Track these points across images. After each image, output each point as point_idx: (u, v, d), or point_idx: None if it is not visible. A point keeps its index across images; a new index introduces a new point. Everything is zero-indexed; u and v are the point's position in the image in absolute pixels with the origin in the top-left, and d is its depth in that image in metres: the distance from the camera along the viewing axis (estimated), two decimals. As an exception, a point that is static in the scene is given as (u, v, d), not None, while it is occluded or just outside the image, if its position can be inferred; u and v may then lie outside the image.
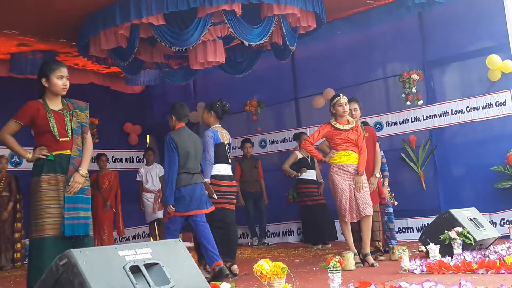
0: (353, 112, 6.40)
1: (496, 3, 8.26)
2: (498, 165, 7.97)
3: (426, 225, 8.00)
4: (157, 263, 2.99)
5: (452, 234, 5.67)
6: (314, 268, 5.83)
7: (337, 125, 6.04)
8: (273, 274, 3.76)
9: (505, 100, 8.08)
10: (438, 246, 5.51)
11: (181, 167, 5.60)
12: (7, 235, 8.40)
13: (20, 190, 8.59)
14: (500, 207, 7.95)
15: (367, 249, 5.96)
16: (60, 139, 4.22)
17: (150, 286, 2.84)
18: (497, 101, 8.14)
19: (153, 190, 9.54)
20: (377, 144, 6.68)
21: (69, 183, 4.16)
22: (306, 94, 10.23)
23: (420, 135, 8.85)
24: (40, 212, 4.10)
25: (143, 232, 10.98)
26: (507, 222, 7.77)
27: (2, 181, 8.45)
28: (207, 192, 5.84)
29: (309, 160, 8.86)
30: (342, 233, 6.20)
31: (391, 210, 7.06)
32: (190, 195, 5.57)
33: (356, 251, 5.93)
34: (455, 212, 6.09)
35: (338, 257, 4.26)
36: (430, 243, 5.55)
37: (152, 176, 9.60)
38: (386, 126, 9.17)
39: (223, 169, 6.16)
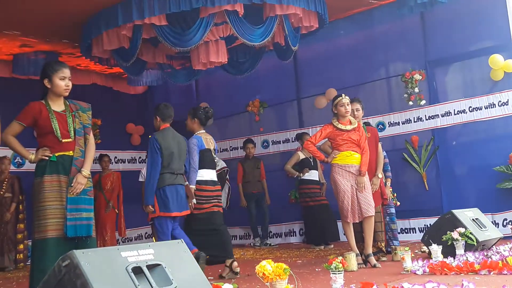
0: (355, 113, 6.39)
1: (499, 2, 8.26)
2: (500, 165, 7.96)
3: (429, 225, 7.99)
4: (160, 264, 2.98)
5: (455, 234, 5.66)
6: (316, 269, 5.83)
7: (339, 126, 6.03)
8: (275, 275, 3.75)
9: (508, 100, 8.07)
10: (441, 246, 5.50)
11: (165, 168, 5.64)
12: (9, 236, 8.41)
13: (23, 191, 8.60)
14: (502, 208, 7.94)
15: (369, 249, 5.96)
16: (63, 140, 4.23)
17: (152, 287, 2.84)
18: (500, 101, 8.13)
19: (156, 191, 9.53)
20: (380, 144, 6.67)
21: (72, 184, 4.17)
22: (309, 94, 10.23)
23: (423, 135, 8.84)
24: (42, 213, 4.10)
25: (146, 233, 10.99)
26: (510, 223, 7.76)
27: (5, 182, 8.46)
28: (187, 196, 5.89)
29: (311, 160, 8.86)
30: (344, 234, 6.19)
31: (393, 210, 7.06)
32: (174, 195, 5.63)
33: (358, 252, 5.92)
34: (458, 212, 6.08)
35: (340, 258, 4.26)
36: (433, 244, 5.54)
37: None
38: (389, 126, 9.17)
39: (207, 174, 6.20)
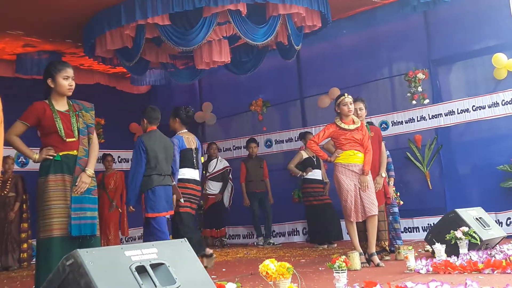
0: (359, 112, 6.38)
1: (502, 1, 8.24)
2: (504, 164, 7.94)
3: (432, 224, 7.98)
4: (163, 263, 2.99)
5: (458, 233, 5.66)
6: (320, 268, 5.83)
7: (342, 125, 6.03)
8: (279, 274, 3.76)
9: (511, 99, 8.06)
10: (444, 245, 5.50)
11: (153, 169, 5.77)
12: (13, 235, 8.43)
13: (27, 190, 8.62)
14: (506, 207, 7.93)
15: (373, 249, 5.95)
16: (67, 140, 4.25)
17: (156, 286, 2.85)
18: (503, 100, 8.12)
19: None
20: (383, 143, 6.67)
21: (76, 183, 4.19)
22: (312, 93, 10.23)
23: (426, 134, 8.83)
24: (47, 212, 4.12)
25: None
26: (514, 222, 7.76)
27: (9, 182, 8.48)
28: (174, 196, 6.04)
29: (314, 160, 8.86)
30: (347, 233, 6.18)
31: (396, 210, 7.05)
32: (163, 196, 5.77)
33: (361, 251, 5.92)
34: (461, 211, 6.07)
35: (343, 257, 4.26)
36: (436, 243, 5.54)
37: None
38: (392, 126, 9.16)
39: (188, 173, 6.37)
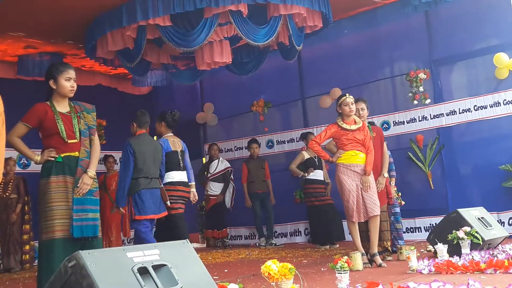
0: (361, 112, 6.38)
1: (503, 1, 8.23)
2: (506, 164, 7.94)
3: (434, 224, 7.98)
4: (165, 265, 2.99)
5: (460, 233, 5.65)
6: (322, 269, 5.82)
7: (344, 125, 6.03)
8: (281, 274, 3.76)
9: (513, 98, 8.06)
10: (446, 246, 5.49)
11: (140, 172, 5.84)
12: (15, 237, 8.43)
13: (28, 192, 8.62)
14: (508, 206, 7.92)
15: (375, 249, 5.95)
16: (68, 141, 4.25)
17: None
18: (505, 100, 8.11)
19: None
20: (385, 144, 6.67)
21: (78, 185, 4.19)
22: (313, 94, 10.23)
23: (428, 134, 8.83)
24: (49, 214, 4.12)
25: (151, 233, 10.97)
26: (516, 221, 7.75)
27: (11, 183, 8.48)
28: (163, 199, 6.14)
29: (316, 160, 8.85)
30: (349, 233, 6.18)
31: (397, 210, 7.04)
32: (149, 199, 5.84)
33: (363, 251, 5.91)
34: (463, 211, 6.07)
35: (345, 257, 4.26)
36: (438, 243, 5.53)
37: (159, 177, 9.59)
38: (393, 126, 9.15)
39: (176, 175, 6.49)
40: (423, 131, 8.87)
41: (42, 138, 4.36)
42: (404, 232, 7.56)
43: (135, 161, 5.83)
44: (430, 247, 6.28)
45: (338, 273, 4.15)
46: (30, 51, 9.05)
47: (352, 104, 6.04)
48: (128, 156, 5.83)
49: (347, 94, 6.12)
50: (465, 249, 5.55)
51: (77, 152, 4.28)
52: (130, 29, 7.37)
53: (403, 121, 9.07)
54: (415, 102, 8.91)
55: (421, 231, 8.66)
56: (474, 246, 5.63)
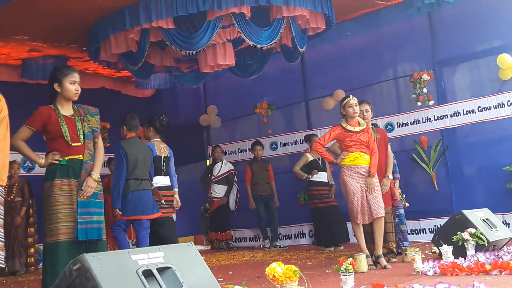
0: (365, 114, 6.37)
1: (506, 2, 8.23)
2: (510, 165, 7.92)
3: (439, 226, 7.96)
4: (170, 267, 2.99)
5: (465, 235, 5.63)
6: (327, 271, 5.81)
7: (348, 127, 6.02)
8: (286, 277, 3.75)
9: (517, 99, 8.04)
10: (451, 247, 5.47)
11: (130, 174, 5.98)
12: (20, 240, 8.44)
13: (33, 195, 8.63)
14: (513, 208, 7.91)
15: (380, 251, 5.93)
16: (73, 144, 4.26)
17: (162, 290, 2.85)
18: (509, 101, 8.10)
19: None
20: (389, 145, 6.65)
21: (82, 188, 4.20)
22: (316, 95, 10.21)
23: (432, 135, 8.81)
24: (53, 217, 4.13)
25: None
26: (521, 223, 7.73)
27: (15, 186, 8.49)
28: (155, 198, 6.27)
29: (320, 162, 8.84)
30: (354, 235, 6.17)
31: (402, 211, 7.02)
32: (136, 200, 5.96)
33: (368, 253, 5.89)
34: (468, 213, 6.04)
35: (350, 259, 4.25)
36: (443, 245, 5.51)
37: (163, 179, 9.58)
38: (397, 127, 9.14)
39: (159, 180, 6.60)
40: (427, 132, 8.85)
41: (46, 141, 4.37)
42: (408, 234, 7.54)
43: (127, 164, 5.98)
44: (435, 249, 6.26)
45: (343, 275, 4.14)
46: (34, 54, 9.08)
47: (356, 105, 6.04)
48: (121, 158, 5.97)
49: (351, 96, 6.11)
50: (470, 251, 5.53)
51: (81, 155, 4.29)
52: (133, 32, 7.38)
53: (407, 122, 9.06)
54: (419, 103, 8.90)
55: (425, 233, 8.64)
56: (479, 248, 5.60)
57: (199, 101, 11.93)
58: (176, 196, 6.77)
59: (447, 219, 6.57)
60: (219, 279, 4.72)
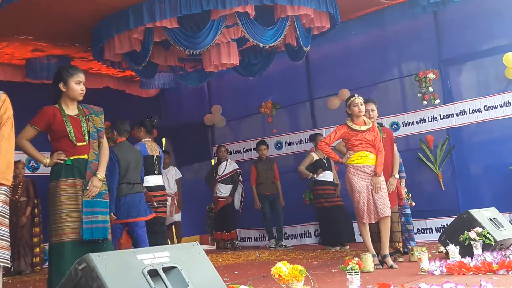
0: (371, 113, 6.35)
1: (512, 0, 8.19)
2: (517, 164, 7.88)
3: (445, 225, 7.93)
4: (175, 267, 2.98)
5: (472, 234, 5.61)
6: (333, 270, 5.80)
7: (354, 126, 6.00)
8: (291, 276, 3.73)
9: (523, 98, 8.00)
10: (458, 247, 5.45)
11: (122, 178, 6.09)
12: (25, 239, 8.44)
13: (38, 194, 8.64)
14: (519, 207, 7.86)
15: (386, 250, 5.91)
16: (78, 144, 4.26)
17: (168, 290, 2.84)
18: (515, 99, 8.06)
19: (170, 193, 9.50)
20: (395, 145, 6.63)
21: (87, 187, 4.19)
22: (321, 95, 10.18)
23: (438, 134, 8.77)
24: (59, 217, 4.13)
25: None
26: (527, 222, 7.67)
27: (20, 186, 8.50)
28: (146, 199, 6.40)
29: (325, 161, 8.82)
30: (360, 235, 6.15)
31: (408, 211, 7.00)
32: (130, 204, 6.08)
33: (374, 253, 5.88)
34: (475, 212, 6.02)
35: (356, 259, 4.23)
36: (450, 244, 5.49)
37: (168, 179, 9.58)
38: (403, 126, 9.11)
39: (152, 180, 6.75)
40: (433, 131, 8.81)
41: (51, 141, 4.37)
42: (415, 233, 7.51)
43: (119, 168, 6.08)
44: (442, 248, 6.24)
45: (349, 274, 4.13)
46: (38, 54, 9.08)
47: (361, 104, 6.02)
48: (113, 163, 6.03)
49: (356, 95, 6.09)
50: (477, 250, 5.51)
51: (86, 155, 4.29)
52: (137, 31, 7.36)
53: (413, 121, 9.02)
54: (425, 102, 8.87)
55: (432, 232, 8.60)
56: (486, 247, 5.58)
57: (204, 101, 11.93)
58: None
59: (453, 218, 6.54)
60: (224, 279, 4.70)
